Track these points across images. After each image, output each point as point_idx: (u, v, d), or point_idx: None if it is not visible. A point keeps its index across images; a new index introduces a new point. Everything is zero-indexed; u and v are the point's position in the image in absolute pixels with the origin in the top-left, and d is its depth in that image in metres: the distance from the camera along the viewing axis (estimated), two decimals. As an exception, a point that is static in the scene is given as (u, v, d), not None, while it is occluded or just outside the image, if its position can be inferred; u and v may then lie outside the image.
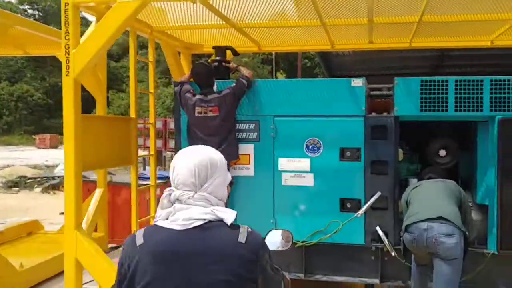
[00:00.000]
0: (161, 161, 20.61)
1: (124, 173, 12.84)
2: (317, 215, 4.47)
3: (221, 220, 1.77)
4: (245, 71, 4.72)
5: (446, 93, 4.22)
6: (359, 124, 4.41)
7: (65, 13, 4.15)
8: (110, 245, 7.37)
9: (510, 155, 4.10)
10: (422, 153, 4.77)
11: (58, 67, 5.97)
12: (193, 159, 1.83)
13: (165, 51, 6.06)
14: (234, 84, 4.60)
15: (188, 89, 4.71)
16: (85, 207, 7.32)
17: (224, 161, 1.92)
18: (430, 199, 3.82)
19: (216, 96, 4.58)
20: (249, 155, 4.66)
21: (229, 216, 1.78)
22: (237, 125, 4.68)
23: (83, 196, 8.42)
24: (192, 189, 1.79)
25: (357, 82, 4.39)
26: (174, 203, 1.79)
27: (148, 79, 5.87)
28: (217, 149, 4.68)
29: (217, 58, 5.00)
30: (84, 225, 7.02)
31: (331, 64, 10.76)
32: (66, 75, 4.18)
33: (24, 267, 5.61)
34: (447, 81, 4.22)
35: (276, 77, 35.51)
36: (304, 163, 4.53)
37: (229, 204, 4.36)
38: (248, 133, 4.67)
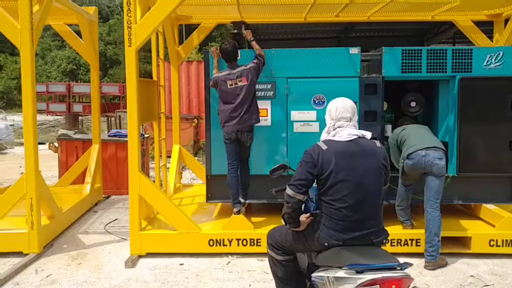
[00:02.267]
0: (78, 123, 20.04)
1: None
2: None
3: (364, 136, 3.13)
4: (259, 50, 5.48)
5: (420, 59, 5.42)
6: (355, 83, 5.55)
7: (127, -6, 5.03)
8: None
9: (466, 103, 5.40)
10: (396, 105, 5.91)
11: None
12: (347, 103, 3.22)
13: (164, 23, 6.95)
14: (256, 59, 5.41)
15: (217, 77, 5.49)
16: (84, 162, 8.10)
17: None
18: (421, 135, 5.07)
19: (244, 69, 5.37)
20: (267, 109, 5.68)
21: (368, 134, 3.17)
22: (257, 87, 5.52)
23: (72, 153, 9.14)
24: (348, 120, 3.14)
25: (354, 50, 5.56)
26: (336, 129, 3.12)
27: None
28: (244, 113, 5.72)
29: (235, 31, 6.03)
30: (89, 179, 7.86)
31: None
32: (129, 46, 5.07)
33: (63, 210, 6.49)
34: (420, 50, 5.43)
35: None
36: (311, 114, 5.64)
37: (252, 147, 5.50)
38: (266, 92, 5.68)
